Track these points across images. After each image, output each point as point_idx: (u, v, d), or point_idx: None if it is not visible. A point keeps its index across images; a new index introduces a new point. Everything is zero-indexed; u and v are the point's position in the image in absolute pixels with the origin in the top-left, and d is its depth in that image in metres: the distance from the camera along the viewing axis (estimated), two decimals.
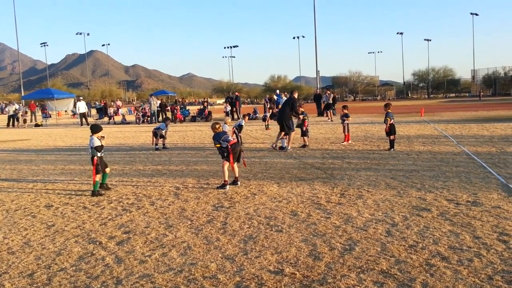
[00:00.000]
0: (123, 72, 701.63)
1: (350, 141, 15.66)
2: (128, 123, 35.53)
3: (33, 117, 41.60)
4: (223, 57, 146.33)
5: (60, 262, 5.25)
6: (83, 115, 34.71)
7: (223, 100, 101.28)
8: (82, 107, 35.42)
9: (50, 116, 41.85)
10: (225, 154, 8.98)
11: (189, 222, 6.67)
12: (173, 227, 6.46)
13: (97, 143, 8.86)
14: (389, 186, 8.45)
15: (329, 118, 28.35)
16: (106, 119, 38.85)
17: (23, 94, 73.10)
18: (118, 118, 38.32)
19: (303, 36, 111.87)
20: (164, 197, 8.39)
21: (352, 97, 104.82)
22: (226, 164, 8.98)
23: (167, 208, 7.59)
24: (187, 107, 39.82)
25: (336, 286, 4.28)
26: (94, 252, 5.57)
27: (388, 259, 4.85)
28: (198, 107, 44.70)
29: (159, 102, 34.79)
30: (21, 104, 51.65)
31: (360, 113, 36.28)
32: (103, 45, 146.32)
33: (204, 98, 57.30)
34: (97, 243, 5.91)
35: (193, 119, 34.26)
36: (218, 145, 9.09)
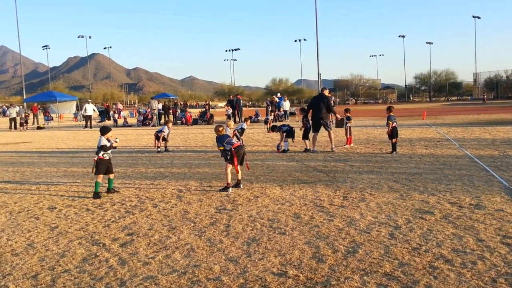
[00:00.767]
0: (124, 75, 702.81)
1: (352, 144, 15.68)
2: (130, 125, 35.59)
3: (35, 120, 41.66)
4: (224, 60, 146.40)
5: (64, 264, 5.26)
6: (89, 118, 34.80)
7: (224, 103, 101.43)
8: (90, 109, 35.54)
9: (52, 119, 41.94)
10: (228, 157, 9.00)
11: (192, 224, 6.68)
12: (176, 229, 6.47)
13: (103, 142, 8.92)
14: (392, 189, 8.45)
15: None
16: (107, 121, 38.93)
17: (25, 97, 73.26)
18: (120, 121, 38.40)
19: (304, 39, 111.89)
20: (167, 200, 8.40)
21: (354, 100, 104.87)
22: (229, 167, 8.99)
23: (170, 210, 7.60)
24: (188, 110, 39.81)
25: None
26: (97, 253, 5.58)
27: (392, 262, 4.85)
28: (200, 110, 44.73)
29: (161, 105, 34.88)
30: (21, 107, 51.71)
31: (362, 116, 36.31)
32: (105, 48, 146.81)
33: (206, 101, 57.41)
34: (101, 245, 5.92)
35: (195, 122, 34.30)
36: (222, 148, 9.10)
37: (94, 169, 8.91)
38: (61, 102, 40.00)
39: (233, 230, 6.30)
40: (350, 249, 5.31)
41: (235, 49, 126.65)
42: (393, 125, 13.25)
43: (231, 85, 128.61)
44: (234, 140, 9.41)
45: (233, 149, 8.93)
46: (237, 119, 31.93)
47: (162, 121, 32.60)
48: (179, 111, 37.49)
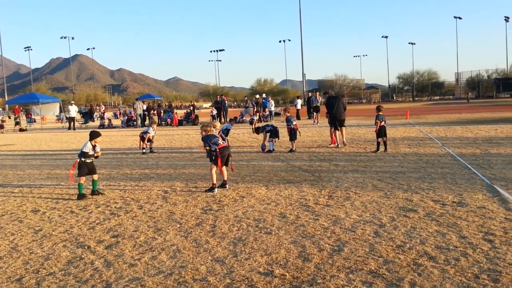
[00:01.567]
0: (108, 76, 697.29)
1: (336, 144, 15.75)
2: (114, 127, 35.36)
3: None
4: (209, 61, 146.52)
5: (48, 267, 5.22)
6: (72, 119, 34.51)
7: (209, 104, 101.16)
8: (73, 111, 35.26)
9: (35, 121, 41.47)
10: (213, 157, 8.99)
11: (178, 225, 6.67)
12: (162, 231, 6.45)
13: (86, 149, 8.88)
14: (376, 188, 8.53)
15: (314, 121, 28.40)
16: (91, 123, 38.61)
17: (6, 99, 72.32)
18: (103, 122, 38.09)
19: (289, 40, 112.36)
20: (152, 201, 8.37)
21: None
22: (214, 168, 8.99)
23: (155, 211, 7.58)
24: (175, 111, 39.68)
25: (326, 287, 4.32)
26: (82, 256, 5.54)
27: (377, 260, 4.91)
28: (185, 111, 44.60)
29: (145, 106, 34.72)
30: (0, 109, 51.08)
31: (347, 116, 36.46)
32: (88, 49, 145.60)
33: (191, 102, 57.25)
34: (86, 247, 5.89)
35: (180, 123, 34.20)
36: (208, 148, 9.10)
37: (77, 171, 8.87)
38: (44, 104, 39.57)
39: (219, 231, 6.31)
40: (335, 248, 5.35)
41: (220, 50, 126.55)
42: (381, 124, 13.31)
43: (216, 85, 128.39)
44: (220, 141, 9.41)
45: (218, 150, 8.93)
46: (223, 120, 31.92)
47: (147, 122, 32.47)
48: (162, 112, 37.34)
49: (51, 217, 7.55)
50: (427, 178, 9.22)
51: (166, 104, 54.60)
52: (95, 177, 9.16)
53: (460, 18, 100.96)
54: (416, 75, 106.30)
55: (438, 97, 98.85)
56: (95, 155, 9.12)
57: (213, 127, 13.57)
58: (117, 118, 48.51)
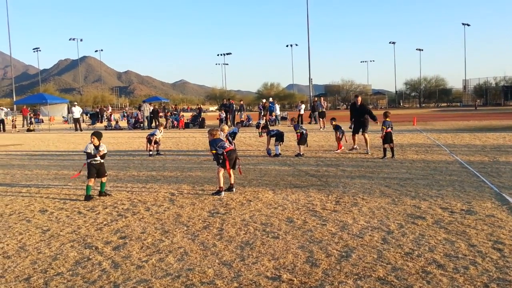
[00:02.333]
0: (115, 78, 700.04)
1: (342, 148, 15.73)
2: (121, 128, 35.47)
3: (25, 122, 41.39)
4: (216, 64, 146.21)
5: (56, 267, 5.24)
6: (77, 121, 34.64)
7: (216, 108, 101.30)
8: (77, 112, 35.40)
9: (43, 121, 41.67)
10: (221, 161, 9.00)
11: (185, 228, 6.68)
12: (169, 233, 6.46)
13: (88, 150, 8.90)
14: (383, 194, 8.50)
15: (321, 127, 28.36)
16: (98, 124, 38.77)
17: (15, 99, 72.71)
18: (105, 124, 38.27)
19: (296, 44, 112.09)
20: (160, 203, 8.39)
21: (345, 105, 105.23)
22: (221, 171, 8.99)
23: (162, 214, 7.59)
24: (182, 113, 39.80)
25: None
26: (90, 257, 5.55)
27: (385, 266, 4.88)
28: (191, 113, 44.69)
29: (151, 108, 34.81)
30: (9, 109, 51.31)
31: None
32: (96, 51, 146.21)
33: (198, 105, 57.36)
34: (93, 248, 5.90)
35: (187, 126, 34.26)
36: (214, 151, 9.11)
37: (86, 173, 8.89)
38: (52, 105, 39.76)
39: (227, 234, 6.30)
40: (343, 254, 5.33)
41: (227, 53, 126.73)
42: (387, 130, 13.26)
43: (222, 89, 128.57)
44: (227, 144, 9.41)
45: (225, 153, 8.94)
46: (229, 123, 31.96)
47: (153, 124, 32.55)
48: (169, 114, 37.44)
49: (59, 217, 7.58)
50: (435, 185, 9.18)
51: (173, 107, 54.75)
52: (104, 179, 9.19)
53: (468, 25, 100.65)
54: (423, 82, 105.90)
55: (445, 104, 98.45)
56: (98, 154, 9.02)
57: (221, 131, 13.63)
58: (123, 119, 48.66)
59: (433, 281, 4.47)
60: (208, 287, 4.54)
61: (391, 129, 13.47)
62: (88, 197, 8.77)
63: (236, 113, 30.55)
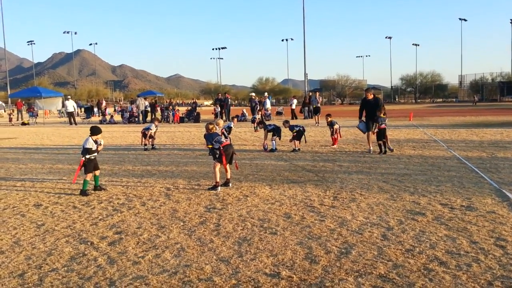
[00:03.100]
0: (110, 72, 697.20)
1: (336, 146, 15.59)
2: (116, 122, 35.27)
3: (20, 116, 41.10)
4: (211, 58, 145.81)
5: (51, 262, 5.13)
6: (70, 114, 34.41)
7: (210, 102, 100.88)
8: (70, 106, 35.17)
9: (37, 115, 41.39)
10: (217, 156, 8.89)
11: (182, 223, 6.58)
12: (166, 228, 6.36)
13: (89, 145, 8.77)
14: (382, 190, 8.42)
15: (316, 122, 28.01)
16: (94, 118, 38.53)
17: (9, 93, 72.24)
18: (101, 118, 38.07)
19: (291, 39, 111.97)
20: (155, 198, 8.28)
21: (340, 100, 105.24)
22: (218, 166, 8.89)
23: (158, 209, 7.48)
24: (177, 107, 39.63)
25: None
26: (85, 252, 5.45)
27: (386, 263, 4.80)
28: (186, 108, 44.51)
29: (147, 102, 34.62)
30: (1, 103, 50.96)
31: (349, 116, 36.39)
32: (90, 44, 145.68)
33: (193, 99, 57.15)
34: (89, 243, 5.80)
35: (182, 120, 34.09)
36: (210, 146, 9.01)
37: (79, 169, 8.76)
38: (46, 98, 39.46)
39: (224, 230, 6.21)
40: (343, 250, 5.25)
41: (222, 48, 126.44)
42: (380, 126, 13.18)
43: (217, 83, 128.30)
44: (223, 138, 9.31)
45: (221, 148, 8.83)
46: (224, 118, 31.80)
47: (148, 118, 32.37)
48: (164, 109, 37.25)
49: (54, 211, 7.46)
50: (434, 181, 9.11)
51: (167, 101, 54.51)
52: (97, 172, 9.07)
53: (465, 20, 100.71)
54: (419, 77, 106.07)
55: (441, 100, 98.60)
56: (98, 149, 9.00)
57: (216, 125, 13.49)
58: (118, 113, 48.39)
59: (436, 278, 4.39)
60: (206, 284, 4.44)
61: (385, 125, 13.36)
62: (84, 192, 8.65)
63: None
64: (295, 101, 36.93)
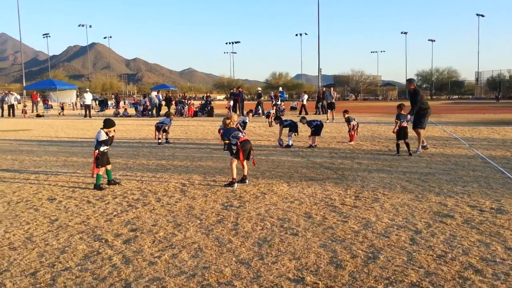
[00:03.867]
0: (124, 66, 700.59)
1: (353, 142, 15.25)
2: (129, 116, 35.21)
3: (35, 108, 41.23)
4: (224, 52, 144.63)
5: (64, 261, 4.92)
6: (87, 107, 34.42)
7: (224, 96, 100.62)
8: (88, 98, 35.23)
9: (52, 107, 41.50)
10: (234, 151, 8.65)
11: (198, 222, 6.34)
12: (182, 226, 6.13)
13: (102, 137, 8.54)
14: (405, 190, 8.10)
15: (328, 119, 27.22)
16: (108, 111, 38.50)
17: (24, 85, 72.69)
18: (120, 111, 38.05)
19: (305, 34, 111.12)
20: (171, 194, 8.06)
21: (354, 96, 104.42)
22: (235, 162, 8.64)
23: (174, 205, 7.26)
24: (192, 101, 39.47)
25: None
26: (100, 250, 5.24)
27: (417, 270, 4.50)
28: (200, 102, 44.33)
29: (160, 95, 34.50)
30: (16, 94, 51.16)
31: (364, 112, 35.97)
32: (105, 37, 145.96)
33: (207, 93, 56.99)
34: (103, 240, 5.58)
35: (195, 114, 33.91)
36: (227, 141, 8.77)
37: (95, 164, 8.54)
38: (61, 91, 39.52)
39: (242, 229, 5.96)
40: (370, 255, 4.96)
41: (235, 42, 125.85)
42: (403, 124, 12.33)
43: (230, 78, 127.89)
44: (241, 134, 9.06)
45: (239, 144, 8.58)
46: (238, 112, 31.54)
47: (162, 112, 32.24)
48: (178, 102, 37.11)
49: (68, 206, 7.27)
50: (459, 181, 8.75)
51: (181, 95, 54.36)
52: (109, 167, 8.86)
53: (482, 15, 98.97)
54: (435, 73, 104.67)
55: (457, 96, 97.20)
56: (111, 141, 8.78)
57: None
58: (132, 106, 48.39)
59: None
60: None
61: (407, 123, 12.45)
62: (98, 187, 8.45)
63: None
64: (306, 96, 36.77)
